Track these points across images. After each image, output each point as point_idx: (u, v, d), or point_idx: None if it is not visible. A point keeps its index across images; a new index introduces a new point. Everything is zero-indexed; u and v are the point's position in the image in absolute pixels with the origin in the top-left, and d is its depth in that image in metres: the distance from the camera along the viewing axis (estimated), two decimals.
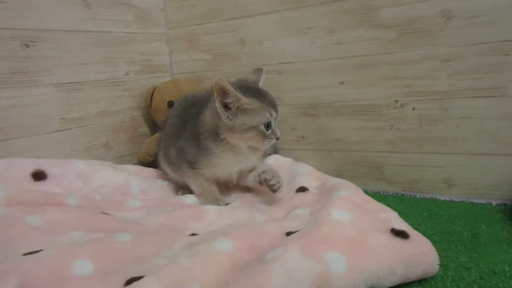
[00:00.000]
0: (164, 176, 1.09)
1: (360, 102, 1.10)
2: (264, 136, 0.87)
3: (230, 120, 0.86)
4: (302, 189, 0.93)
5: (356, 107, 1.11)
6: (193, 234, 0.78)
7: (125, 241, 0.69)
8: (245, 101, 0.84)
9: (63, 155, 1.03)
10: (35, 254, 0.61)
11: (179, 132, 0.99)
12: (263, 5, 1.18)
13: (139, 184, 1.00)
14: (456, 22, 0.92)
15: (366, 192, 1.03)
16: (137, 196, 0.98)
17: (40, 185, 0.86)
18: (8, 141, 0.93)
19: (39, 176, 0.87)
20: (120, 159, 1.20)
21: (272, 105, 0.88)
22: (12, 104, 0.93)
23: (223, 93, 0.84)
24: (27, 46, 0.96)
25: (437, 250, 0.65)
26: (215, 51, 1.30)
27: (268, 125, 0.87)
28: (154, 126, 1.30)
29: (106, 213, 0.82)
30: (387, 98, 1.06)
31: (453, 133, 0.97)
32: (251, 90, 0.88)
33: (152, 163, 1.18)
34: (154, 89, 1.23)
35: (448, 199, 0.98)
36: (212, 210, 0.87)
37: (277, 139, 0.89)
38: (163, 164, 1.05)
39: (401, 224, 0.69)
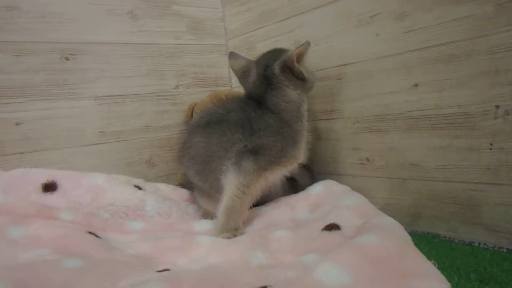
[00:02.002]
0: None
1: (443, 111, 0.78)
2: None
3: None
4: (330, 227, 0.68)
5: (438, 118, 0.79)
6: (165, 270, 0.62)
7: (68, 269, 0.58)
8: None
9: (100, 169, 1.00)
10: None
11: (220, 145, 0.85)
12: None
13: (157, 206, 0.89)
14: None
15: (451, 242, 0.74)
16: (151, 218, 0.87)
17: (47, 197, 0.84)
18: (38, 152, 0.94)
19: (49, 187, 0.85)
20: (165, 177, 1.13)
21: None
22: (46, 115, 0.95)
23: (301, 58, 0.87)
24: (67, 59, 0.98)
25: None
26: None
27: None
28: None
29: (94, 234, 0.73)
30: (483, 103, 0.72)
31: None
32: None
33: None
34: (195, 105, 1.14)
35: None
36: (203, 243, 0.69)
37: None
38: (196, 192, 0.93)
39: None
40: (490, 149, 0.72)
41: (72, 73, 0.99)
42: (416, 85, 0.82)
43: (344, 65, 0.94)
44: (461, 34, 0.74)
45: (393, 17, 0.84)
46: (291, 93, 0.86)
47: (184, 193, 1.02)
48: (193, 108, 1.14)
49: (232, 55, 0.96)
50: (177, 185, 1.11)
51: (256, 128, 0.83)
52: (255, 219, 0.84)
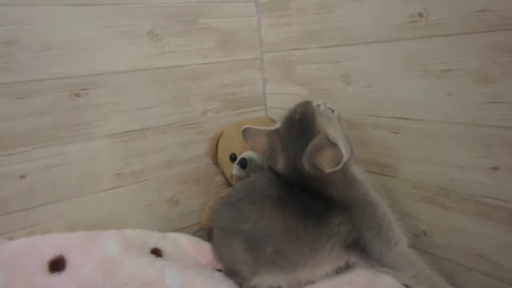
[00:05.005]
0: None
1: None
2: None
3: None
4: None
5: None
6: None
7: None
8: None
9: (117, 215, 0.96)
10: None
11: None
12: (375, 29, 0.82)
13: (179, 277, 0.82)
14: None
15: None
16: None
17: (54, 279, 0.77)
18: (47, 205, 0.88)
19: (56, 265, 0.78)
20: (190, 215, 1.07)
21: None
22: (55, 163, 0.88)
23: None
24: (78, 95, 0.89)
25: None
26: (312, 85, 1.00)
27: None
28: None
29: None
30: None
31: None
32: None
33: None
34: (220, 136, 1.04)
35: None
36: None
37: None
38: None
39: None
40: None
41: (84, 110, 0.90)
42: (496, 168, 0.68)
43: (404, 118, 0.80)
44: None
45: (472, 79, 0.68)
46: (333, 176, 0.72)
47: (207, 248, 0.95)
48: (218, 140, 1.05)
49: (247, 134, 0.80)
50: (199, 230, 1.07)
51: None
52: None
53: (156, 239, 0.95)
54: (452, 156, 0.74)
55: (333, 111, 0.78)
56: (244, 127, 0.81)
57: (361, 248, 0.75)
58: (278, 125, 0.80)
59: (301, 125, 0.75)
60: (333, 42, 0.91)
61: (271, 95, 1.15)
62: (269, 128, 0.81)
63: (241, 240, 0.77)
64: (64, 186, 0.90)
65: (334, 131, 0.73)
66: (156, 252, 0.92)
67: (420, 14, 0.74)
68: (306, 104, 0.78)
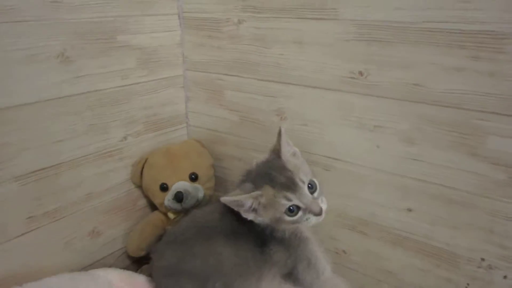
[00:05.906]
0: None
1: (431, 242, 0.84)
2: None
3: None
4: None
5: (425, 246, 0.85)
6: None
7: None
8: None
9: (33, 262, 0.86)
10: None
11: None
12: (316, 76, 0.87)
13: None
14: None
15: None
16: None
17: None
18: None
19: None
20: (113, 243, 1.02)
21: (286, 186, 0.75)
22: None
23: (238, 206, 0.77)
24: None
25: None
26: (244, 113, 1.01)
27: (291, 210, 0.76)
28: None
29: None
30: (471, 252, 0.80)
31: None
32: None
33: (145, 258, 1.00)
34: (145, 162, 0.99)
35: None
36: None
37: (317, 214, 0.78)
38: None
39: None
40: (466, 287, 0.83)
41: None
42: (409, 210, 0.84)
43: (335, 159, 0.90)
44: (467, 186, 0.76)
45: (400, 138, 0.81)
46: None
47: (140, 281, 0.93)
48: (142, 166, 0.99)
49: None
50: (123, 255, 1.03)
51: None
52: None
53: (85, 283, 0.88)
54: (374, 196, 0.88)
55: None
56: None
57: (294, 277, 0.86)
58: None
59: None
60: (270, 77, 0.93)
61: (194, 113, 1.12)
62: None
63: (189, 278, 0.80)
64: None
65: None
66: None
67: (361, 73, 0.81)
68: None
